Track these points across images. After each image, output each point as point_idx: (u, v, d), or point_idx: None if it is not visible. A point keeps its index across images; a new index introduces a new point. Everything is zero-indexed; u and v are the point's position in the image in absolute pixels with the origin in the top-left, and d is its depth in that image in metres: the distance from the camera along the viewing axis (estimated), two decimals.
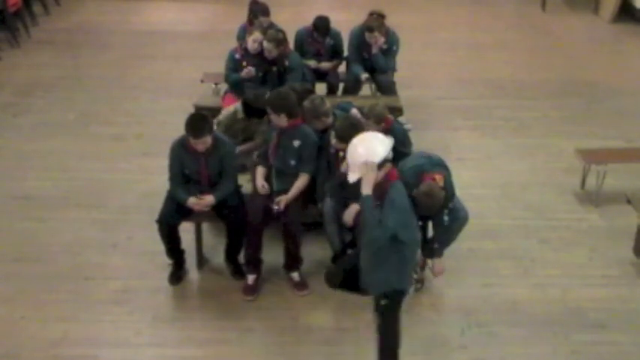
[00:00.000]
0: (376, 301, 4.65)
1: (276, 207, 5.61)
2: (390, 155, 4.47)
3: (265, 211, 5.66)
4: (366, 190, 4.32)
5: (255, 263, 5.84)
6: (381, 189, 4.40)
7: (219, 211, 5.71)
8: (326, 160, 5.82)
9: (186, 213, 5.71)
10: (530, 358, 5.25)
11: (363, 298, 5.72)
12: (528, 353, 5.28)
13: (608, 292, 5.91)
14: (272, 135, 5.82)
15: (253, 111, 6.20)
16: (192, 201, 5.64)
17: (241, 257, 5.95)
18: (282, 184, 5.81)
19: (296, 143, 5.72)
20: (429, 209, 5.14)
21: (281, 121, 5.66)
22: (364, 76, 7.89)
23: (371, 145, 4.40)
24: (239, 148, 6.16)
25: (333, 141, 5.58)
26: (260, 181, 5.80)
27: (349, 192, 5.74)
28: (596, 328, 5.53)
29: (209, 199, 5.65)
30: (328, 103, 5.97)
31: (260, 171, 5.88)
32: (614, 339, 5.42)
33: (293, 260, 5.85)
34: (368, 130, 5.61)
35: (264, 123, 6.12)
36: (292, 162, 5.79)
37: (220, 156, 5.62)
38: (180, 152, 5.60)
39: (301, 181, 5.76)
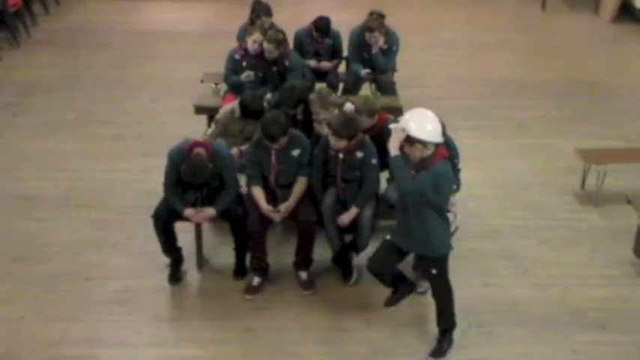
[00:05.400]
0: (425, 267, 5.14)
1: (277, 219, 5.61)
2: (436, 139, 4.74)
3: (263, 219, 5.64)
4: (394, 150, 4.66)
5: (261, 268, 5.84)
6: (423, 164, 4.73)
7: (221, 213, 5.70)
8: (321, 161, 5.80)
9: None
10: (530, 358, 5.25)
11: (363, 297, 5.75)
12: (528, 353, 5.28)
13: (608, 292, 5.91)
14: (254, 154, 5.69)
15: (250, 112, 6.18)
16: (189, 212, 5.61)
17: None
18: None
19: (296, 152, 5.67)
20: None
21: (284, 141, 5.56)
22: (365, 71, 7.87)
23: (414, 118, 4.72)
24: (240, 148, 6.15)
25: (332, 139, 5.55)
26: (265, 205, 5.60)
27: (348, 194, 5.78)
28: (596, 328, 5.53)
29: (209, 211, 5.63)
30: (334, 95, 6.00)
31: (259, 193, 5.66)
32: (614, 339, 5.42)
33: (304, 259, 5.83)
34: (362, 123, 5.75)
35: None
36: (295, 171, 5.74)
37: (219, 170, 5.58)
38: (179, 162, 5.52)
39: (301, 185, 5.71)
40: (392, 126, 4.76)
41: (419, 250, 5.11)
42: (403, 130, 4.66)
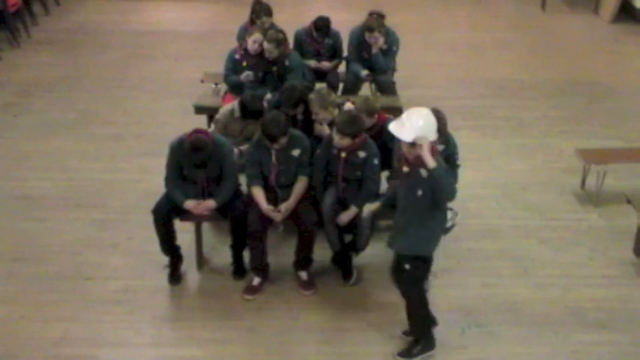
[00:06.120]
0: (399, 266, 5.06)
1: (277, 220, 5.62)
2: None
3: (263, 219, 5.64)
4: (432, 162, 4.60)
5: (261, 268, 5.84)
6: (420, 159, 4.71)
7: (219, 209, 5.70)
8: (324, 161, 5.80)
9: (183, 210, 5.70)
10: (530, 358, 5.26)
11: (363, 297, 5.75)
12: (528, 353, 5.29)
13: (608, 292, 5.91)
14: (254, 154, 5.71)
15: (250, 112, 6.18)
16: (190, 204, 5.62)
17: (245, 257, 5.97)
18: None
19: (296, 152, 5.68)
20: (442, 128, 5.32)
21: (284, 141, 5.59)
22: (364, 72, 7.88)
23: (421, 121, 4.75)
24: (240, 148, 6.15)
25: (336, 138, 5.56)
26: (266, 206, 5.60)
27: (349, 194, 5.78)
28: (596, 328, 5.53)
29: (209, 203, 5.64)
30: (334, 95, 6.00)
31: (259, 193, 5.66)
32: (614, 339, 5.42)
33: (304, 260, 5.83)
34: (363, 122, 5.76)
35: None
36: (295, 171, 5.75)
37: (219, 159, 5.61)
38: (180, 153, 5.57)
39: (301, 185, 5.72)
40: (404, 136, 4.71)
41: (400, 248, 5.03)
42: (426, 140, 4.67)
